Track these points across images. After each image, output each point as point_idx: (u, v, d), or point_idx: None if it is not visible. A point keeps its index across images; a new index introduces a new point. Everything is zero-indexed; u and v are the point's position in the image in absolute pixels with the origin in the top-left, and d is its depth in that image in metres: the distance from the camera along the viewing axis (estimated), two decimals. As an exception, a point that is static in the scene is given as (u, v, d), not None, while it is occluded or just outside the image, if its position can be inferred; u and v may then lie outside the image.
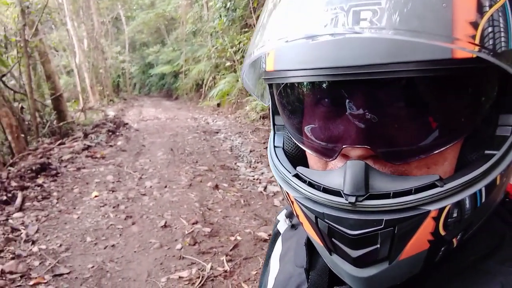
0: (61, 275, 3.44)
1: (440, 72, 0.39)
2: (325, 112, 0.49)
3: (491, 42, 0.38)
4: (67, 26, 14.84)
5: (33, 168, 5.94)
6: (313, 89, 0.49)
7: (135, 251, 3.84)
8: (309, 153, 0.55)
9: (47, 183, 5.67)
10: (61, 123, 9.67)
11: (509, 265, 0.49)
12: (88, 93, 14.93)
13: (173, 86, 22.72)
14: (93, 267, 3.56)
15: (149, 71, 25.36)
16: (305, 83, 0.49)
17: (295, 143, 0.60)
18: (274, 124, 0.64)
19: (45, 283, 3.31)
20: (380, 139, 0.45)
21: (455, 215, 0.43)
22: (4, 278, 3.32)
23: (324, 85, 0.47)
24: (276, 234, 0.82)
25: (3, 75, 8.29)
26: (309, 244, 0.63)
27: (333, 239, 0.47)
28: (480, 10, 0.38)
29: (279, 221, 0.81)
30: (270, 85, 0.58)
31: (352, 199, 0.43)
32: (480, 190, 0.44)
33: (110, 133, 9.41)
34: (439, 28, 0.36)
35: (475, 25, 0.37)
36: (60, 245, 3.95)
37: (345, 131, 0.46)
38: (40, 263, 3.61)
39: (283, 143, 0.62)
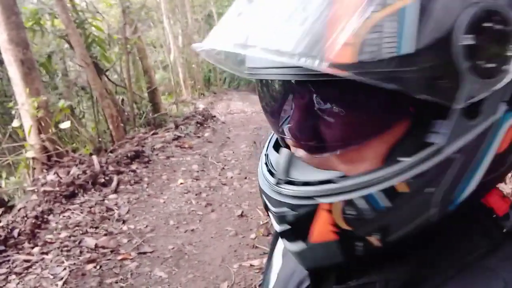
0: (145, 253, 3.74)
1: (315, 77, 0.41)
2: (265, 107, 0.55)
3: (366, 56, 0.36)
4: (164, 24, 15.86)
5: (129, 155, 6.50)
6: (257, 86, 0.55)
7: (212, 237, 4.04)
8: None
9: (139, 169, 6.17)
10: (155, 115, 10.42)
11: (511, 262, 0.46)
12: (181, 87, 15.85)
13: (261, 81, 23.10)
14: (173, 248, 3.83)
15: (239, 65, 26.14)
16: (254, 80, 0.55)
17: None
18: None
19: (131, 259, 3.64)
20: (297, 132, 0.49)
21: (351, 212, 0.45)
22: (97, 252, 3.72)
23: (260, 83, 0.53)
24: None
25: (107, 70, 9.15)
26: None
27: (268, 212, 0.53)
28: (354, 24, 0.36)
29: None
30: None
31: (274, 181, 0.50)
32: (373, 194, 0.43)
33: (199, 125, 9.90)
34: (306, 46, 0.37)
35: (349, 40, 0.36)
36: (146, 226, 4.30)
37: (277, 124, 0.52)
38: (128, 241, 3.96)
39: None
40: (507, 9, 0.39)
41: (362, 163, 0.46)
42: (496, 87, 0.40)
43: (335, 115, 0.45)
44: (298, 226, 0.48)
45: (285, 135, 0.50)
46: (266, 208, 0.53)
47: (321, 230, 0.47)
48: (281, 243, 0.78)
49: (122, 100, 10.11)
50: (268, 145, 0.61)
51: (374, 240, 0.47)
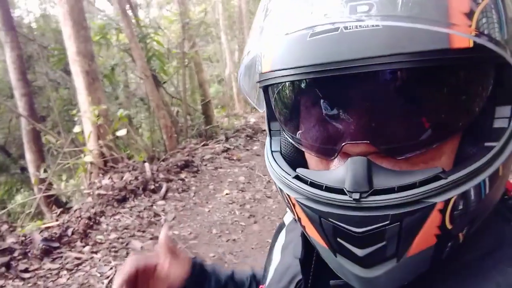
0: (187, 259, 3.84)
1: (438, 62, 0.39)
2: (325, 110, 0.48)
3: (486, 32, 0.38)
4: (221, 40, 16.36)
5: (179, 164, 6.72)
6: (311, 87, 0.49)
7: (252, 248, 4.08)
8: (310, 154, 0.54)
9: (188, 178, 6.36)
10: (207, 127, 10.71)
11: (507, 265, 0.46)
12: (234, 100, 16.18)
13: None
14: (214, 256, 3.90)
15: (293, 81, 26.31)
16: (303, 81, 0.48)
17: (293, 146, 0.59)
18: (270, 130, 0.63)
19: (173, 263, 3.75)
20: (380, 134, 0.44)
21: (461, 207, 0.42)
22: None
23: (322, 82, 0.46)
24: (281, 225, 0.82)
25: (164, 82, 9.57)
26: (304, 235, 0.58)
27: (338, 239, 0.46)
28: (475, 1, 0.39)
29: (286, 212, 0.81)
30: (265, 90, 0.56)
31: (356, 196, 0.42)
32: (484, 181, 0.43)
33: (248, 138, 10.03)
34: (436, 15, 0.37)
35: (470, 15, 0.38)
36: (190, 233, 4.41)
37: (346, 127, 0.46)
38: (171, 246, 4.09)
39: (281, 148, 0.61)
40: None
41: (443, 155, 0.46)
42: None
43: (436, 109, 0.44)
44: (398, 239, 0.43)
45: (361, 141, 0.44)
46: (331, 235, 0.46)
47: (427, 235, 0.43)
48: (281, 239, 0.79)
49: (177, 111, 10.51)
50: (280, 167, 0.55)
51: (461, 236, 0.46)
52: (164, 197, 5.45)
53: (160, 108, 8.63)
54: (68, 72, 7.25)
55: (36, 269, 3.51)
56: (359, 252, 0.44)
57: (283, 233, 0.80)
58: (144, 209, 4.94)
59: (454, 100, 0.44)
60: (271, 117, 0.62)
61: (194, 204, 5.34)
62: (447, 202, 0.42)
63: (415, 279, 0.48)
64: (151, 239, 4.20)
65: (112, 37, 9.65)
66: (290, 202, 0.51)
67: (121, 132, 6.03)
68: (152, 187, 5.62)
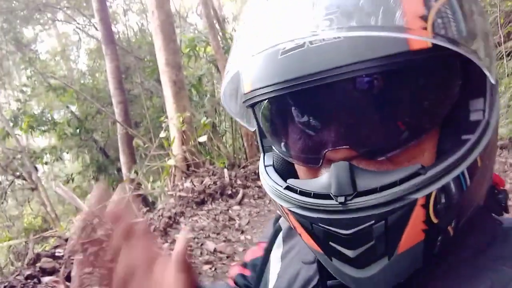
0: (256, 263, 3.93)
1: (399, 65, 0.40)
2: (304, 122, 0.50)
3: (442, 32, 0.39)
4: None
5: (257, 171, 6.87)
6: (288, 101, 0.50)
7: (322, 258, 4.03)
8: (297, 164, 0.56)
9: (264, 185, 6.49)
10: (288, 136, 10.78)
11: (500, 263, 0.47)
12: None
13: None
14: (283, 263, 3.93)
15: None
16: (280, 97, 0.49)
17: (284, 159, 0.60)
18: (262, 146, 0.65)
19: (243, 266, 3.85)
20: (357, 138, 0.46)
21: (443, 200, 0.43)
22: (215, 255, 4.03)
23: (297, 95, 0.48)
24: (277, 230, 0.79)
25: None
26: None
27: (330, 242, 0.47)
28: (427, 4, 0.39)
29: (280, 216, 0.78)
30: (253, 109, 0.57)
31: (341, 199, 0.44)
32: (462, 173, 0.43)
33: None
34: (391, 21, 0.38)
35: (424, 18, 0.38)
36: (262, 239, 4.50)
37: (326, 136, 0.48)
38: (243, 250, 4.20)
39: (273, 162, 0.62)
40: None
41: (424, 152, 0.47)
42: None
43: (406, 109, 0.45)
44: (386, 237, 0.44)
45: (340, 147, 0.46)
46: (324, 240, 0.48)
47: (414, 231, 0.44)
48: (278, 246, 0.76)
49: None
50: (273, 180, 0.56)
51: (450, 229, 0.47)
52: (240, 203, 5.63)
53: (242, 117, 8.90)
54: (160, 82, 7.82)
55: (120, 261, 3.83)
56: (350, 253, 0.46)
57: (279, 240, 0.77)
58: (220, 212, 5.14)
59: (422, 98, 0.45)
60: (262, 134, 0.64)
61: (268, 211, 5.43)
62: (428, 197, 0.42)
63: (412, 277, 0.48)
64: (224, 241, 4.36)
65: (201, 49, 10.22)
66: (284, 212, 0.53)
67: (202, 138, 6.35)
68: (229, 192, 5.83)
